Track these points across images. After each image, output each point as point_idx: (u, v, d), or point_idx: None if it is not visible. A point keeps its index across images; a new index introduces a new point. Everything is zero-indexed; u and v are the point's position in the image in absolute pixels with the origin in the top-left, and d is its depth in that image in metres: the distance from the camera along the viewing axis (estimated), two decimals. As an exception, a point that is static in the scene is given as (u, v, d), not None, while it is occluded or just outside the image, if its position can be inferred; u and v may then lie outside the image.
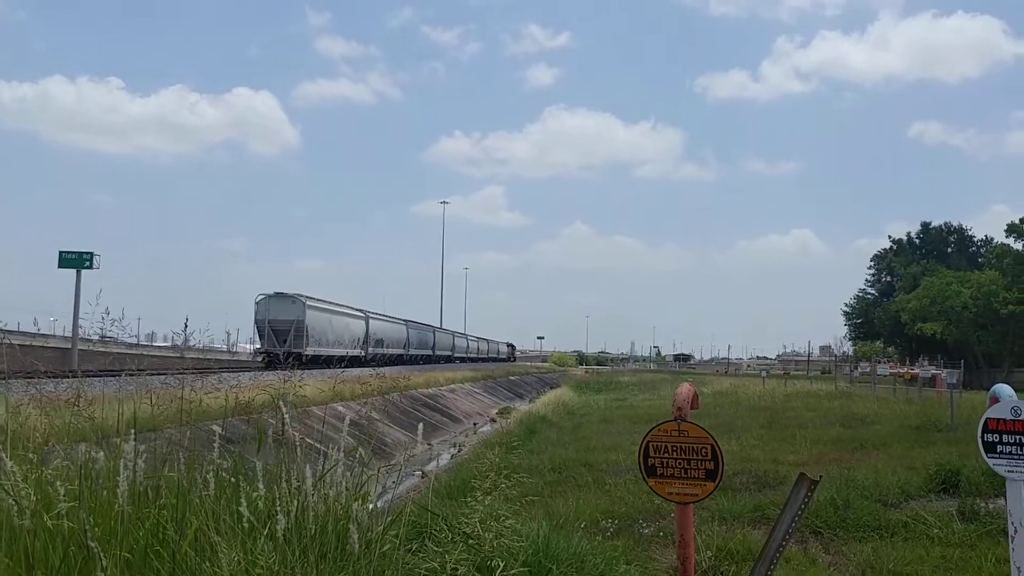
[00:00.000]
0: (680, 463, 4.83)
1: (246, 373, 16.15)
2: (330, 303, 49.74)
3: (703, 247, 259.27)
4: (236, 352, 66.92)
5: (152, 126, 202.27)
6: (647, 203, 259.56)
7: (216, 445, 5.91)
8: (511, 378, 62.82)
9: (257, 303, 43.41)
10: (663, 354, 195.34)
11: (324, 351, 44.77)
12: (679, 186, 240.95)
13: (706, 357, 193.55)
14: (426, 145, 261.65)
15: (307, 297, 44.63)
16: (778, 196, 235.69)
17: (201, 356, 44.95)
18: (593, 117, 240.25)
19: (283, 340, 41.88)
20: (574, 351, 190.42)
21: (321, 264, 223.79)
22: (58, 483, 4.44)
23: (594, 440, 18.86)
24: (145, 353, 44.19)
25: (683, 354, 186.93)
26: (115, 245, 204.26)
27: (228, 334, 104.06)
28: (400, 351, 64.53)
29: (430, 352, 75.62)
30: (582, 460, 15.47)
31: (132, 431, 5.36)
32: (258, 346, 44.15)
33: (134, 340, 61.78)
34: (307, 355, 40.77)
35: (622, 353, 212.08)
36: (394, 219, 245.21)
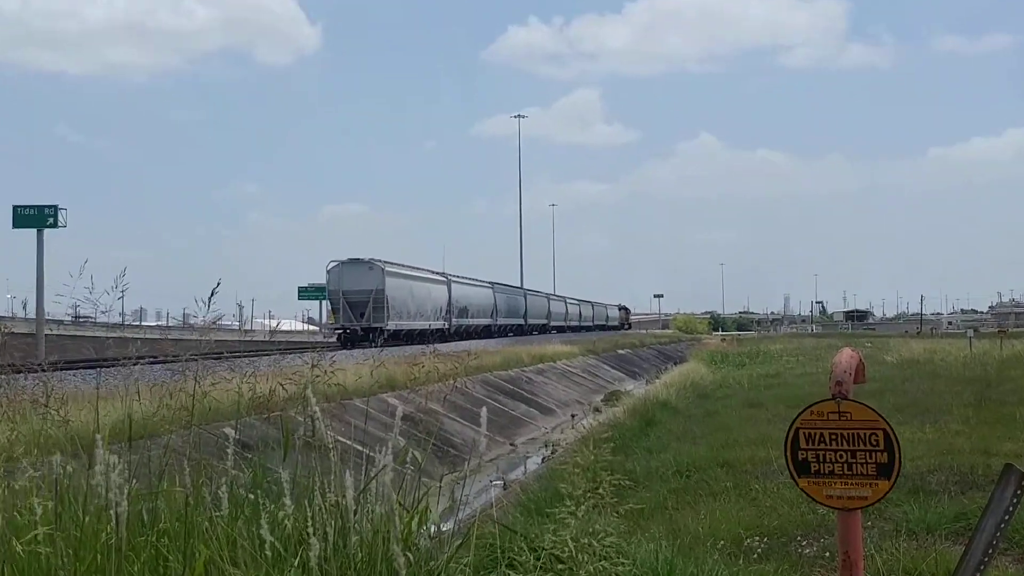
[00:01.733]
0: (842, 456, 4.79)
1: (265, 357, 16.70)
2: (409, 267, 55.78)
3: (878, 160, 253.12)
4: (251, 332, 68.30)
5: (123, 34, 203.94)
6: (798, 103, 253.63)
7: (230, 452, 6.12)
8: (619, 352, 63.26)
9: (329, 271, 49.71)
10: (829, 312, 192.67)
11: (405, 325, 50.86)
12: (842, 77, 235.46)
13: (889, 313, 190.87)
14: (490, 39, 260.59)
15: (385, 262, 50.38)
16: (983, 84, 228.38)
17: (198, 339, 46.73)
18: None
19: (360, 314, 48.19)
20: (705, 313, 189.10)
21: (359, 208, 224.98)
22: (34, 502, 4.67)
23: (735, 432, 18.78)
24: (133, 336, 45.58)
25: (857, 311, 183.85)
26: (87, 195, 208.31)
27: (239, 307, 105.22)
28: (487, 321, 69.87)
29: (521, 321, 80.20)
30: (718, 459, 15.43)
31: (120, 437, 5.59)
32: (330, 321, 51.70)
33: (118, 320, 63.45)
34: (388, 330, 45.09)
35: (772, 313, 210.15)
36: (451, 144, 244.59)
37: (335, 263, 50.44)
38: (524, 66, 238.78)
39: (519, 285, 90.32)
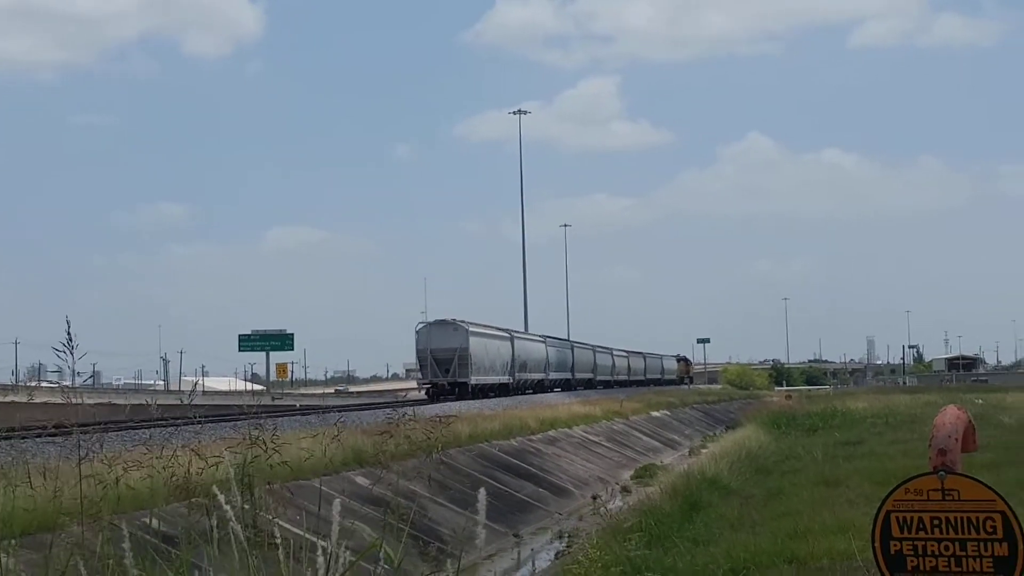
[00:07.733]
0: (947, 547, 4.77)
1: (186, 428, 16.71)
2: (484, 326, 74.18)
3: (988, 164, 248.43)
4: (184, 392, 68.73)
5: (16, 18, 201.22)
6: (877, 92, 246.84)
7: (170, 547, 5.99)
8: (654, 414, 65.51)
9: (418, 332, 68.97)
10: (927, 359, 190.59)
11: (483, 380, 69.08)
12: (934, 56, 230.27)
13: (1005, 360, 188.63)
14: (474, 16, 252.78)
15: (469, 323, 69.50)
16: None
17: (117, 402, 46.95)
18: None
19: (446, 370, 66.43)
20: (764, 362, 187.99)
21: (314, 233, 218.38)
22: None
23: (805, 517, 18.12)
24: (23, 400, 45.59)
25: (963, 357, 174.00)
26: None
27: (164, 360, 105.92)
28: (540, 375, 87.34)
29: (568, 375, 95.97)
30: (784, 553, 14.94)
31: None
32: (421, 377, 70.12)
33: (8, 380, 63.68)
34: (472, 384, 65.30)
35: (851, 361, 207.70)
36: (428, 149, 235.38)
37: (423, 324, 69.91)
38: (518, 50, 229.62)
39: (521, 327, 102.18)
